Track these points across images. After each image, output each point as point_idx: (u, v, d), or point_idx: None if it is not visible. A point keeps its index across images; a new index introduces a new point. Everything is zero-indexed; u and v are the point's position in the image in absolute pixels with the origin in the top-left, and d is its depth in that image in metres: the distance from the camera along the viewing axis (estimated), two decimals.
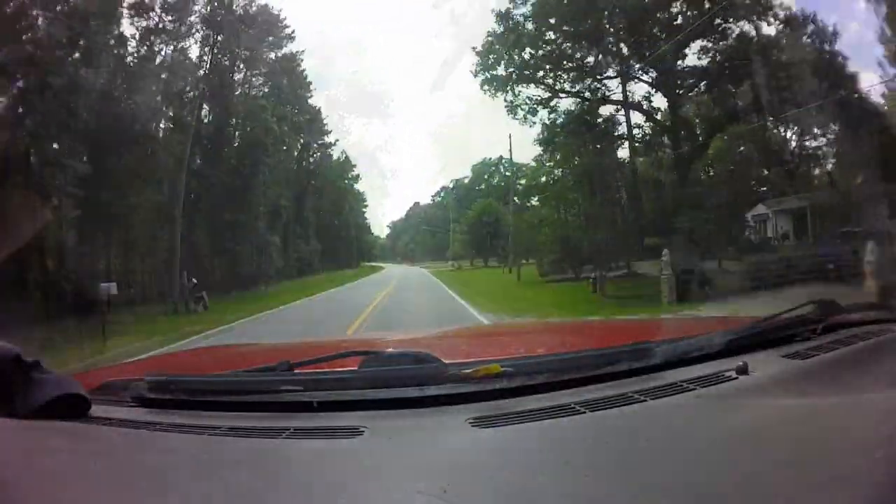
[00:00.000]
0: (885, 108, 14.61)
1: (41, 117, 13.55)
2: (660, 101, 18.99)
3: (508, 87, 19.64)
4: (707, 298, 9.96)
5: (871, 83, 14.93)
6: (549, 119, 19.99)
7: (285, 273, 24.71)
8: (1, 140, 12.68)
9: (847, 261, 9.07)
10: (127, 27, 17.14)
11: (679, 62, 17.61)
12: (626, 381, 0.90)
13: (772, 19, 16.05)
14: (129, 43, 17.24)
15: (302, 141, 30.54)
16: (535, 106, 19.80)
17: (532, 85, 19.65)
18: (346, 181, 44.70)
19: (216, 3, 20.13)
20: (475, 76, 19.63)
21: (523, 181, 31.38)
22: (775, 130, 18.46)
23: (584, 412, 0.78)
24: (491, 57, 19.33)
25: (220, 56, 21.09)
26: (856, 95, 14.77)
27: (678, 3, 17.16)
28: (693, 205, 15.25)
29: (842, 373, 0.90)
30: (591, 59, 19.27)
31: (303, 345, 2.14)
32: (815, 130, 18.03)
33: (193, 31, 19.52)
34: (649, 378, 0.91)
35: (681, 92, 18.11)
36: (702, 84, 17.91)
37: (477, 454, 0.68)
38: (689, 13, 16.87)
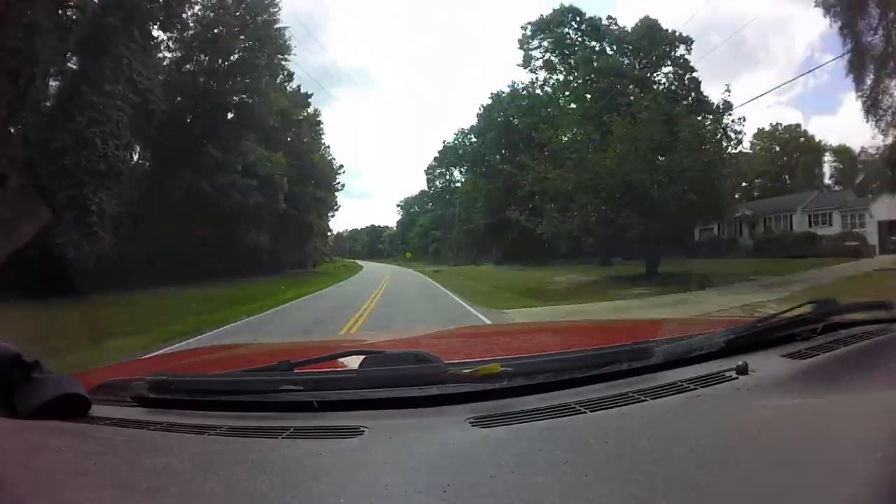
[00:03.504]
0: None
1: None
2: None
3: None
4: None
5: None
6: None
7: None
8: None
9: None
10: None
11: None
12: (626, 380, 0.90)
13: None
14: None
15: None
16: None
17: None
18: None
19: None
20: None
21: None
22: None
23: (584, 412, 0.78)
24: None
25: None
26: None
27: None
28: None
29: (842, 373, 0.90)
30: None
31: (303, 345, 2.15)
32: None
33: None
34: (649, 378, 0.91)
35: None
36: None
37: (477, 454, 0.68)
38: None
